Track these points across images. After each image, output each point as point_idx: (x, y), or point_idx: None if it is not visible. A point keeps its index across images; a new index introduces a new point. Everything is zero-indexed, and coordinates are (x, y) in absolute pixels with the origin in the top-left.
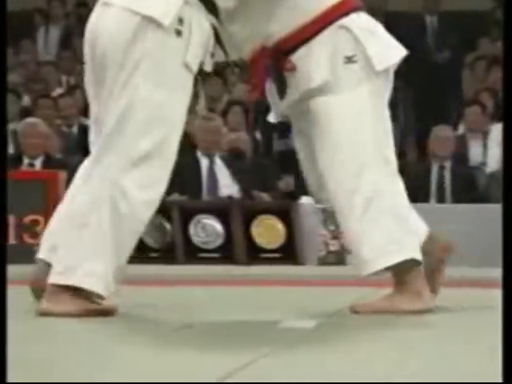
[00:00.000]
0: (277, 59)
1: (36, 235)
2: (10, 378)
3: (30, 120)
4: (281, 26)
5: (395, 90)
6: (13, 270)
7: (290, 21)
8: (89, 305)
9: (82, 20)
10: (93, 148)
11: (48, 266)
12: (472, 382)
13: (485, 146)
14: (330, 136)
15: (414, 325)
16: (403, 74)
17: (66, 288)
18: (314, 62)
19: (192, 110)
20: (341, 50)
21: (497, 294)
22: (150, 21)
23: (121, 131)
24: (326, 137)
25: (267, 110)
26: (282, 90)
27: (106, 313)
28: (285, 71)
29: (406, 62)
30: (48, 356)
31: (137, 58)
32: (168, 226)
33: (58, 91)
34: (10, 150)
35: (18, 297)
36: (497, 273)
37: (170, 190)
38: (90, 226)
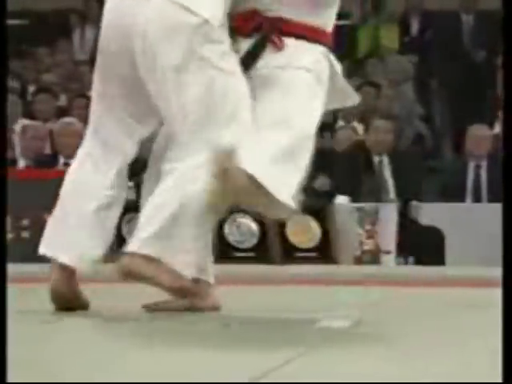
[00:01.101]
0: (269, 30)
1: None
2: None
3: (66, 119)
4: (291, 10)
5: (431, 89)
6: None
7: (303, 13)
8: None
9: None
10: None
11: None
12: (472, 382)
13: None
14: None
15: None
16: (439, 72)
17: None
18: (300, 53)
19: None
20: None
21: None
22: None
23: (209, 120)
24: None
25: None
26: (252, 59)
27: None
28: (270, 43)
29: (442, 60)
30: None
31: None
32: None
33: None
34: (47, 149)
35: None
36: None
37: None
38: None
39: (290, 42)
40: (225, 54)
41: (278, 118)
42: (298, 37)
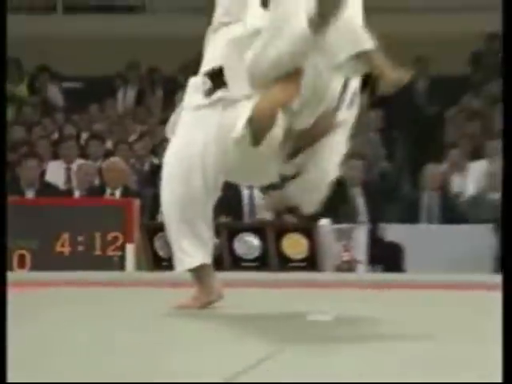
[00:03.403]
0: None
1: (117, 248)
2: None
3: (111, 159)
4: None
5: (394, 137)
6: (95, 276)
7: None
8: None
9: (153, 82)
10: None
11: None
12: (472, 382)
13: (464, 180)
14: None
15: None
16: (400, 123)
17: None
18: None
19: None
20: None
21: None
22: None
23: None
24: None
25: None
26: None
27: None
28: None
29: (402, 114)
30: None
31: None
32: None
33: (133, 137)
34: (96, 182)
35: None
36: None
37: (218, 214)
38: None
39: None
40: None
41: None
42: None
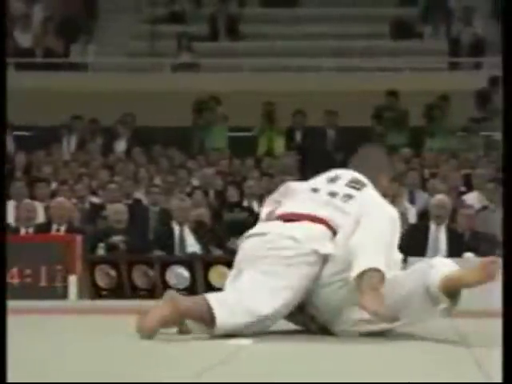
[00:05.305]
0: None
1: (60, 279)
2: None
3: (57, 199)
4: None
5: (308, 178)
6: (38, 304)
7: None
8: None
9: (93, 131)
10: None
11: None
12: (472, 382)
13: None
14: None
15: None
16: (314, 167)
17: None
18: None
19: None
20: None
21: None
22: None
23: None
24: None
25: (220, 192)
26: None
27: None
28: None
29: (315, 159)
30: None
31: None
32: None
33: (77, 180)
34: (41, 219)
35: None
36: None
37: (152, 248)
38: None
39: None
40: None
41: None
42: None
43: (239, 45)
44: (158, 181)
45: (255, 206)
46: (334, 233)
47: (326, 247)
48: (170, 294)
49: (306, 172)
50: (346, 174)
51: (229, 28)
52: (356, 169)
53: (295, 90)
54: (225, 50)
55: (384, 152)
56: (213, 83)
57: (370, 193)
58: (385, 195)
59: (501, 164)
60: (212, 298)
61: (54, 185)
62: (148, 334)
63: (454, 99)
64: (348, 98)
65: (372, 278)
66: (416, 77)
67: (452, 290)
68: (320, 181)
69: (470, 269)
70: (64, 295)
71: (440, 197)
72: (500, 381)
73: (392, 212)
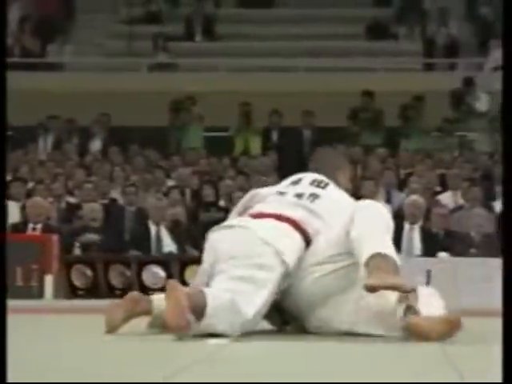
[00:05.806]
0: None
1: (36, 278)
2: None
3: (34, 198)
4: None
5: (284, 177)
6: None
7: None
8: None
9: (70, 131)
10: None
11: None
12: (472, 382)
13: None
14: None
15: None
16: (291, 168)
17: None
18: None
19: None
20: None
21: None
22: None
23: None
24: None
25: (196, 191)
26: None
27: None
28: None
29: (291, 160)
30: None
31: None
32: None
33: (54, 179)
34: (16, 218)
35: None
36: None
37: (129, 248)
38: None
39: None
40: None
41: None
42: None
43: (215, 45)
44: (134, 180)
45: (231, 205)
46: (302, 232)
47: (289, 256)
48: (132, 294)
49: (282, 172)
50: (308, 176)
51: (205, 28)
52: (315, 171)
53: (271, 90)
54: (201, 50)
55: (339, 151)
56: (189, 83)
57: (335, 190)
58: (346, 190)
59: (476, 164)
60: (209, 295)
61: (30, 184)
62: (114, 323)
63: (428, 100)
64: (324, 98)
65: (380, 262)
66: (391, 77)
67: (412, 332)
68: (284, 185)
69: (440, 322)
70: (40, 295)
71: (414, 197)
72: (500, 381)
73: (383, 207)
